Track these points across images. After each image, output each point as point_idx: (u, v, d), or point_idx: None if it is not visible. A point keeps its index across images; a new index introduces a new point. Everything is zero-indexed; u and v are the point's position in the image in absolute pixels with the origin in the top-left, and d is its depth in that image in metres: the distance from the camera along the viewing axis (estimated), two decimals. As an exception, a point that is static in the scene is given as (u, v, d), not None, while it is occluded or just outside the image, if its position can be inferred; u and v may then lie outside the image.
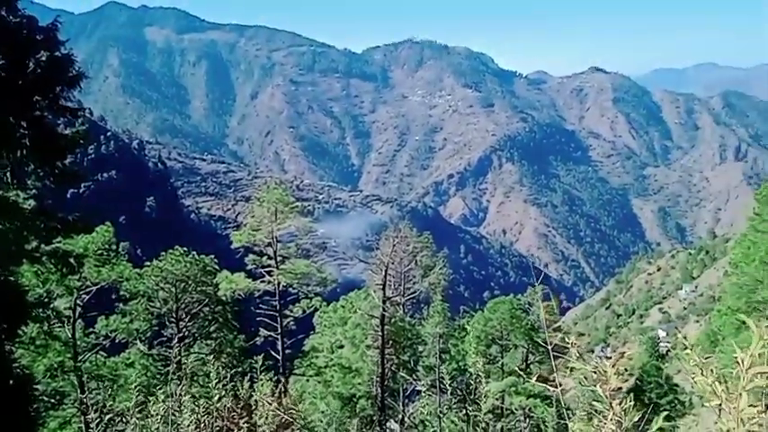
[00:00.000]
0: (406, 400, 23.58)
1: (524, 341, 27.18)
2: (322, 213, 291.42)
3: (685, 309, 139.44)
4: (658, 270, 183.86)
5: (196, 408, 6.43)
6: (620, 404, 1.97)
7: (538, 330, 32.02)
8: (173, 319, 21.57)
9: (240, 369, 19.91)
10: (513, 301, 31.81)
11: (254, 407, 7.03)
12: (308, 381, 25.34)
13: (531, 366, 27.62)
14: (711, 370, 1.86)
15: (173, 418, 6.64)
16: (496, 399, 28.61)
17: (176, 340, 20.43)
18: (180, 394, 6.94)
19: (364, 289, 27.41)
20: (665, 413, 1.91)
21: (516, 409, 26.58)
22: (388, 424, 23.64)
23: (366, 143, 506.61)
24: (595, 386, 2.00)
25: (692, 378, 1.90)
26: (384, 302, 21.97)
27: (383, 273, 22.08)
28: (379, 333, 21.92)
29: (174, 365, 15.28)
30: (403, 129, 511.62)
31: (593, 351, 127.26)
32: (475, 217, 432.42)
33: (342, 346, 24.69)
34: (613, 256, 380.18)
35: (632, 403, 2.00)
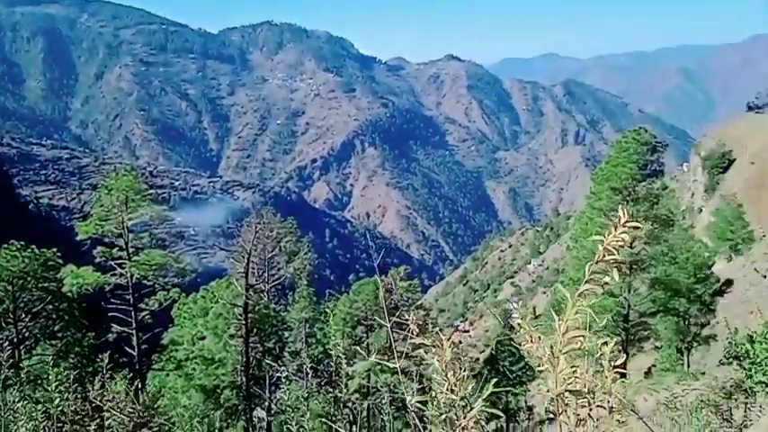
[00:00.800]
0: (273, 387, 23.35)
1: (388, 320, 27.90)
2: (179, 201, 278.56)
3: (534, 281, 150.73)
4: (510, 247, 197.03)
5: (34, 413, 5.87)
6: (454, 374, 2.06)
7: (400, 308, 32.95)
8: (10, 320, 19.63)
9: (91, 369, 18.61)
10: (377, 282, 32.53)
11: (105, 407, 6.56)
12: (167, 375, 24.28)
13: (396, 344, 28.50)
14: (539, 337, 2.00)
15: (8, 427, 6.02)
16: (363, 378, 29.25)
17: (8, 343, 18.58)
18: (14, 400, 6.29)
19: (226, 278, 26.65)
20: (495, 380, 2.03)
21: (382, 387, 27.30)
22: (254, 412, 23.29)
23: (225, 127, 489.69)
24: (433, 359, 2.08)
25: (522, 345, 2.02)
26: (247, 290, 21.50)
27: (246, 260, 21.57)
28: (243, 322, 21.45)
29: (8, 370, 13.90)
30: (264, 112, 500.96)
31: (452, 325, 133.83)
32: (339, 201, 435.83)
33: (203, 338, 23.86)
34: (470, 235, 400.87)
35: (466, 373, 2.09)
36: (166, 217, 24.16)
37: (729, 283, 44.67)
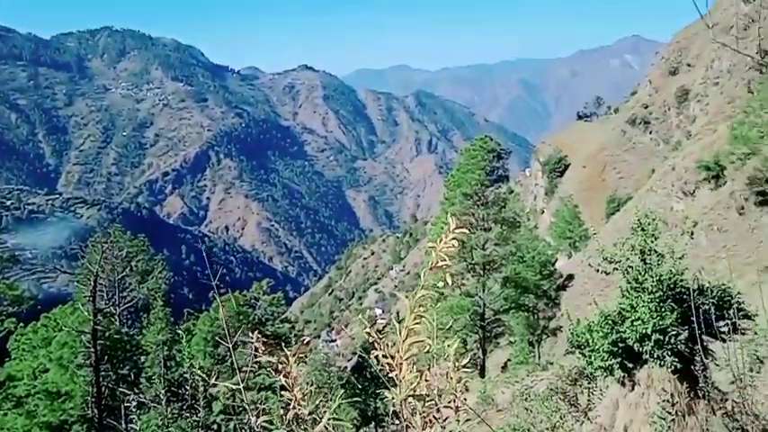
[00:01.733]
0: (130, 417, 21.83)
1: (252, 336, 27.26)
2: (12, 221, 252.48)
3: (396, 287, 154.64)
4: (372, 254, 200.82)
5: None
6: (300, 390, 2.06)
7: (265, 323, 32.40)
8: None
9: None
10: (240, 298, 31.66)
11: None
12: (5, 415, 21.89)
13: (262, 360, 27.84)
14: (387, 344, 2.04)
15: None
16: (227, 398, 28.23)
17: None
18: None
19: (71, 303, 24.59)
20: (343, 391, 2.06)
21: (248, 405, 26.51)
22: (109, 447, 21.63)
23: (63, 140, 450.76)
24: (279, 375, 2.06)
25: (372, 354, 2.06)
26: (95, 315, 19.95)
27: (92, 283, 20.03)
28: (92, 349, 19.85)
29: None
30: (107, 124, 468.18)
31: (319, 336, 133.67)
32: (195, 215, 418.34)
33: (47, 370, 21.78)
34: (333, 244, 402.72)
35: (312, 388, 2.10)
36: (-3, 240, 21.81)
37: (570, 277, 48.89)
